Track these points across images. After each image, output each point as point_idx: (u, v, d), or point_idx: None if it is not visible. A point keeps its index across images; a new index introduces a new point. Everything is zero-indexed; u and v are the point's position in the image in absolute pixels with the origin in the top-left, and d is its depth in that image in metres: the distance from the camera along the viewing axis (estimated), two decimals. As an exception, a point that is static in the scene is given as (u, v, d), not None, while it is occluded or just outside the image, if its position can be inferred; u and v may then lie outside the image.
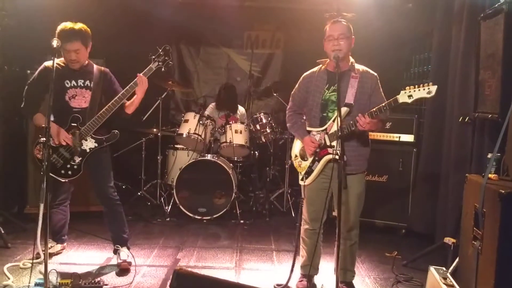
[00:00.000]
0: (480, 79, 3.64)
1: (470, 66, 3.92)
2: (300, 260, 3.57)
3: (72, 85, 3.59)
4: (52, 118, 3.62)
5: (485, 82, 3.55)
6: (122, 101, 3.59)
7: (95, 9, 5.80)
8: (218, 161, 5.25)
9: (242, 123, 5.58)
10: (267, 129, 5.57)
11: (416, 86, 2.94)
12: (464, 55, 4.05)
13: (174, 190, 5.20)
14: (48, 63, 3.59)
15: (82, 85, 3.62)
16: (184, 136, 5.34)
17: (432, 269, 3.27)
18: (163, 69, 3.68)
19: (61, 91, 3.56)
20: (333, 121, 3.19)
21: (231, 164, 5.56)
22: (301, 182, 3.36)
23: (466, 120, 3.88)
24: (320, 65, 3.37)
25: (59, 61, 3.59)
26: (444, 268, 3.28)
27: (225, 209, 5.15)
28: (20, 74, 4.79)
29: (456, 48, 4.23)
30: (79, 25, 3.51)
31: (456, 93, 4.19)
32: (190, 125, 5.35)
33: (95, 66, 3.71)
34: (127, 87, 3.57)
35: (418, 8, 4.87)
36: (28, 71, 4.73)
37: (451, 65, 4.35)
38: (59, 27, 3.49)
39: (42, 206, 2.92)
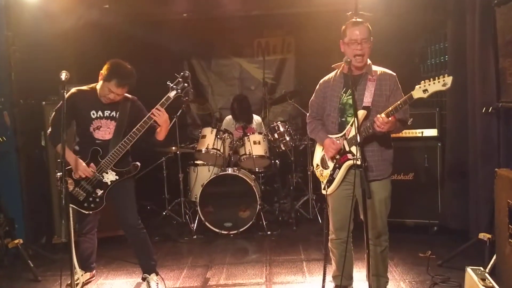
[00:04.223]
0: (500, 67, 3.52)
1: (489, 54, 3.79)
2: (331, 270, 3.48)
3: (98, 115, 3.50)
4: (77, 148, 3.62)
5: (506, 70, 3.42)
6: (138, 136, 3.44)
7: (105, 39, 5.85)
8: (239, 174, 5.20)
9: (259, 133, 5.52)
10: (286, 137, 5.49)
11: (431, 79, 2.81)
12: (481, 43, 3.92)
13: (198, 206, 5.17)
14: (75, 90, 3.49)
15: (108, 115, 3.53)
16: (203, 152, 5.31)
17: (469, 270, 3.13)
18: (182, 97, 3.53)
19: (86, 121, 3.50)
20: (351, 125, 3.10)
21: (253, 176, 5.50)
22: (323, 191, 3.27)
23: (489, 110, 3.75)
24: (336, 70, 3.27)
25: (86, 86, 3.53)
26: (481, 268, 3.13)
27: (251, 222, 5.08)
28: (35, 107, 4.84)
29: (472, 36, 4.09)
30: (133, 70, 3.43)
31: (476, 82, 4.05)
32: (208, 140, 5.32)
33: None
34: (141, 122, 3.41)
35: (428, -1, 4.74)
36: (44, 103, 4.77)
37: (468, 54, 4.20)
38: (118, 64, 3.39)
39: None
